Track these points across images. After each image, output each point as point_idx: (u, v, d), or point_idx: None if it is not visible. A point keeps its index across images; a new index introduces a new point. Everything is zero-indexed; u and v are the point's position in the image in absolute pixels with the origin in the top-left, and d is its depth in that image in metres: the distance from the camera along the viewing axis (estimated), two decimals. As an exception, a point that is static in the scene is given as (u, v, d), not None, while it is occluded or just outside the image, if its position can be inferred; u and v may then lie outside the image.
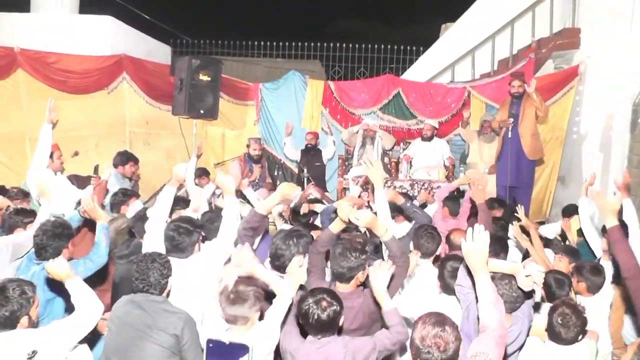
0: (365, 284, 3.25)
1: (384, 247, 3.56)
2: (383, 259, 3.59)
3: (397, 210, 5.13)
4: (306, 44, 11.88)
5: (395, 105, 8.54)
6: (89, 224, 4.44)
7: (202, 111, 7.50)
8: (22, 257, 3.85)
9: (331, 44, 11.73)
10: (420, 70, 10.07)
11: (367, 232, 4.63)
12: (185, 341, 2.97)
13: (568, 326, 3.08)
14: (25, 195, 5.20)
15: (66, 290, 3.56)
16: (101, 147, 7.35)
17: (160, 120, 7.92)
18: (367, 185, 6.45)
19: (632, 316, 4.03)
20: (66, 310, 3.59)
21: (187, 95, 7.31)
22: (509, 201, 6.49)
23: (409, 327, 3.27)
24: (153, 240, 3.63)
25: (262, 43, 12.01)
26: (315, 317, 2.71)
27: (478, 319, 2.56)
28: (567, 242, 5.50)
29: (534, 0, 8.55)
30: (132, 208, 4.84)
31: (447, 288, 3.32)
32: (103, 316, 3.09)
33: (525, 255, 4.66)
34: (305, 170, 7.87)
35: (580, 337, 3.13)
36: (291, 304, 2.93)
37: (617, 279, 3.96)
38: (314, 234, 4.09)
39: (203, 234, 3.80)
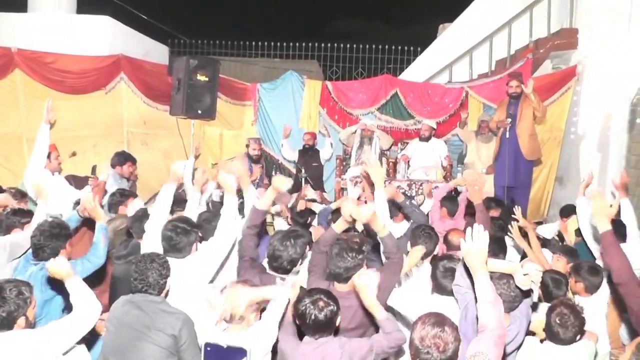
0: None
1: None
2: (382, 260, 3.60)
3: (396, 208, 5.14)
4: (304, 44, 11.88)
5: (393, 105, 8.54)
6: (88, 224, 4.44)
7: (199, 111, 7.49)
8: (20, 257, 3.85)
9: (329, 44, 11.73)
10: (418, 70, 10.07)
11: (365, 232, 4.65)
12: (184, 341, 2.97)
13: (566, 326, 3.08)
14: (22, 195, 5.19)
15: (64, 291, 3.57)
16: (99, 147, 7.34)
17: (157, 120, 7.91)
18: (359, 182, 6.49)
19: (629, 316, 4.03)
20: (64, 310, 3.59)
21: (184, 95, 7.30)
22: (506, 201, 6.49)
23: (406, 325, 3.29)
24: (152, 240, 3.63)
25: (260, 43, 12.01)
26: (313, 317, 2.71)
27: (477, 318, 2.56)
28: (564, 242, 5.51)
29: (531, 1, 8.56)
30: (132, 207, 4.84)
31: (439, 288, 3.30)
32: (101, 316, 3.08)
33: (524, 255, 4.66)
34: (303, 171, 7.87)
35: (578, 337, 3.13)
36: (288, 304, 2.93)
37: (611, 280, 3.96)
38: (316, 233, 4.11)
39: (200, 234, 3.80)
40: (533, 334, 3.36)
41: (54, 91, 6.84)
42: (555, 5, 8.38)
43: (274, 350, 2.91)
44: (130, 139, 7.74)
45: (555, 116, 7.90)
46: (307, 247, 3.67)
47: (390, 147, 8.29)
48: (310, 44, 11.85)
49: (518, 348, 3.05)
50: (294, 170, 8.40)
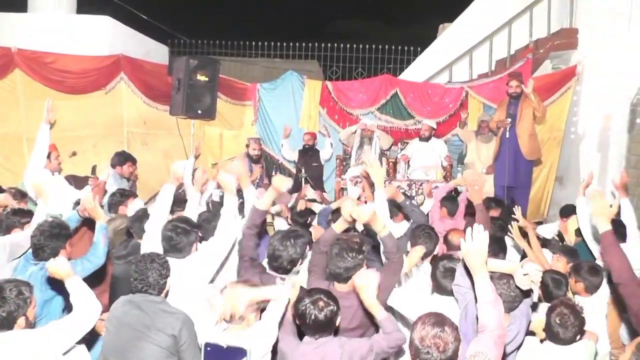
0: None
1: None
2: (382, 260, 3.60)
3: (396, 207, 5.15)
4: (304, 44, 11.88)
5: (393, 105, 8.54)
6: (88, 224, 4.44)
7: (199, 111, 7.49)
8: (20, 257, 3.85)
9: (329, 44, 11.73)
10: (418, 70, 10.07)
11: (365, 232, 4.65)
12: (183, 341, 2.97)
13: (566, 326, 3.08)
14: (22, 195, 5.19)
15: (64, 291, 3.57)
16: (99, 147, 7.34)
17: (157, 120, 7.91)
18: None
19: (629, 316, 4.03)
20: (64, 310, 3.59)
21: (184, 95, 7.30)
22: (507, 201, 6.49)
23: (406, 325, 3.29)
24: (152, 240, 3.63)
25: (260, 43, 12.01)
26: (313, 317, 2.72)
27: (477, 318, 2.56)
28: (564, 242, 5.50)
29: (531, 1, 8.55)
30: (132, 207, 4.84)
31: (439, 288, 3.30)
32: (101, 317, 3.08)
33: (524, 255, 4.66)
34: (303, 171, 7.88)
35: (578, 337, 3.13)
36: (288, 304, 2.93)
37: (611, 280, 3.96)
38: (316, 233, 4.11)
39: (200, 234, 3.80)
40: (533, 334, 3.36)
41: (54, 91, 6.84)
42: (555, 5, 8.38)
43: (274, 350, 2.91)
44: (130, 139, 7.74)
45: (555, 116, 7.90)
46: (307, 247, 3.67)
47: (390, 147, 8.29)
48: (310, 44, 11.85)
49: (518, 348, 3.05)
50: (294, 170, 8.40)
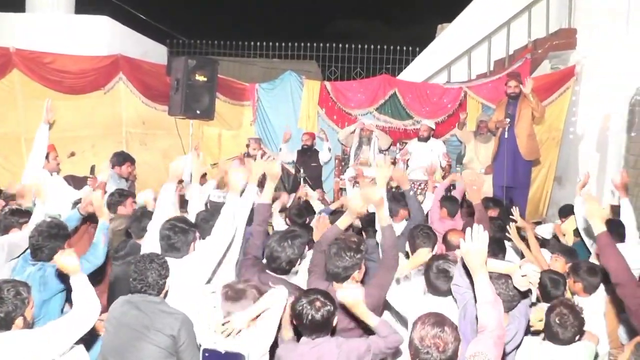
0: (363, 282, 3.25)
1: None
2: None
3: (400, 195, 5.14)
4: (302, 44, 11.88)
5: (391, 105, 8.55)
6: (87, 224, 4.44)
7: (198, 111, 7.49)
8: (18, 257, 3.84)
9: (327, 45, 11.73)
10: (417, 70, 10.08)
11: (362, 233, 4.65)
12: (182, 342, 2.96)
13: (565, 326, 3.08)
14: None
15: (62, 292, 3.57)
16: (97, 147, 7.34)
17: (156, 120, 7.91)
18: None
19: (628, 316, 4.03)
20: (62, 311, 3.58)
21: (183, 95, 7.30)
22: (505, 201, 6.49)
23: (402, 323, 3.29)
24: (154, 240, 3.62)
25: (259, 43, 12.00)
26: (309, 317, 2.71)
27: (476, 318, 2.55)
28: (553, 243, 5.50)
29: (530, 1, 8.57)
30: (141, 196, 4.84)
31: (432, 288, 3.28)
32: (100, 317, 3.08)
33: (524, 255, 4.66)
34: (302, 171, 7.87)
35: (577, 337, 3.13)
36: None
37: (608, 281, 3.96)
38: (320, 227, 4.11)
39: (198, 233, 3.79)
40: (532, 333, 3.36)
41: (53, 91, 6.84)
42: (554, 5, 8.39)
43: (272, 350, 2.91)
44: (129, 139, 7.75)
45: (553, 116, 7.91)
46: (307, 247, 3.67)
47: (389, 147, 8.29)
48: (308, 44, 11.85)
49: (517, 348, 3.04)
50: (293, 171, 8.40)
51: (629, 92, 6.67)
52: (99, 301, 3.05)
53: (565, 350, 3.10)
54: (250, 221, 3.87)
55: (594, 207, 3.31)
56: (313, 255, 3.46)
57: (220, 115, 8.30)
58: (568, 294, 3.97)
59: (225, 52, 11.99)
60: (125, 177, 6.35)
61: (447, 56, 9.49)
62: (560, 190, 7.99)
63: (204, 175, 7.04)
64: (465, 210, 5.99)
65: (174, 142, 7.95)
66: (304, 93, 8.57)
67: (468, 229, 2.62)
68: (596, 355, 3.37)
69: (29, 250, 3.68)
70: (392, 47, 11.48)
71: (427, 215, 5.44)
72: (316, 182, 7.98)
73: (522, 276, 2.67)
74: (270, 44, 11.96)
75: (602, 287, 4.00)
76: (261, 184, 3.95)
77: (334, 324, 2.82)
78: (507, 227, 4.71)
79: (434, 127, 8.03)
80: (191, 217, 4.08)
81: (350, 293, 2.78)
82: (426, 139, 7.89)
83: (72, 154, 7.06)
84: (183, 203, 4.75)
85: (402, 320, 3.35)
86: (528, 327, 3.15)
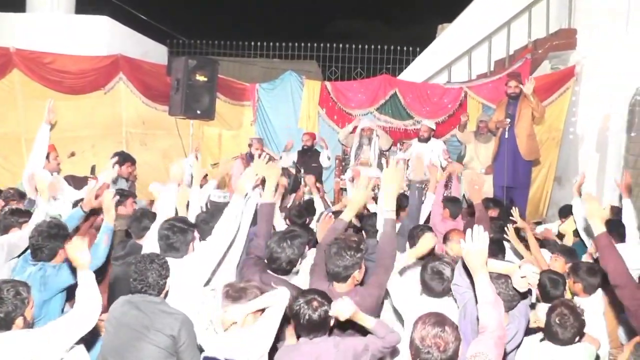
0: (363, 282, 3.25)
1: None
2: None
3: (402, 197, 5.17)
4: (303, 44, 11.88)
5: (392, 105, 8.55)
6: (90, 226, 4.44)
7: (198, 111, 7.50)
8: (18, 257, 3.84)
9: (328, 45, 11.73)
10: (417, 70, 10.08)
11: (362, 233, 4.64)
12: (182, 342, 2.96)
13: (565, 326, 3.08)
14: (21, 196, 5.18)
15: (62, 292, 3.56)
16: (97, 147, 7.35)
17: (156, 120, 7.91)
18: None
19: (627, 317, 4.03)
20: (62, 311, 3.58)
21: (183, 95, 7.31)
22: (506, 201, 6.49)
23: (401, 322, 3.29)
24: (154, 241, 3.62)
25: (259, 43, 12.01)
26: (307, 317, 2.71)
27: (477, 318, 2.56)
28: (557, 243, 5.51)
29: (530, 1, 8.57)
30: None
31: (426, 289, 3.28)
32: (100, 317, 3.07)
33: (522, 256, 4.66)
34: (303, 171, 7.87)
35: (577, 338, 3.13)
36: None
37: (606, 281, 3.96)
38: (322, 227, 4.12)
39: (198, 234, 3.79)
40: (532, 334, 3.36)
41: (53, 91, 6.85)
42: (554, 5, 8.39)
43: (272, 351, 2.91)
44: (129, 139, 7.75)
45: (553, 116, 7.91)
46: (307, 247, 3.67)
47: (390, 148, 8.29)
48: (309, 44, 11.85)
49: (517, 347, 3.05)
50: (293, 171, 8.39)
51: (629, 92, 6.67)
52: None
53: (566, 350, 3.11)
54: (254, 222, 3.88)
55: (594, 207, 3.31)
56: (316, 254, 3.46)
57: (221, 116, 8.30)
58: (568, 294, 3.97)
59: (226, 52, 12.00)
60: (126, 178, 6.35)
61: (447, 56, 9.49)
62: (560, 190, 7.99)
63: (205, 176, 7.06)
64: (466, 210, 6.00)
65: (174, 142, 7.95)
66: (304, 93, 8.58)
67: (468, 230, 2.62)
68: (597, 357, 3.37)
69: (29, 250, 3.68)
70: (392, 47, 11.49)
71: (428, 215, 5.44)
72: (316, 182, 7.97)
73: (521, 277, 2.67)
74: (271, 44, 11.97)
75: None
76: (262, 183, 3.96)
77: (331, 324, 2.82)
78: (506, 228, 4.71)
79: (434, 127, 8.02)
80: (191, 219, 4.07)
81: (343, 307, 2.76)
82: (426, 140, 7.89)
83: (72, 154, 7.06)
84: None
85: (401, 319, 3.35)
86: (528, 327, 3.15)
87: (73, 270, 3.44)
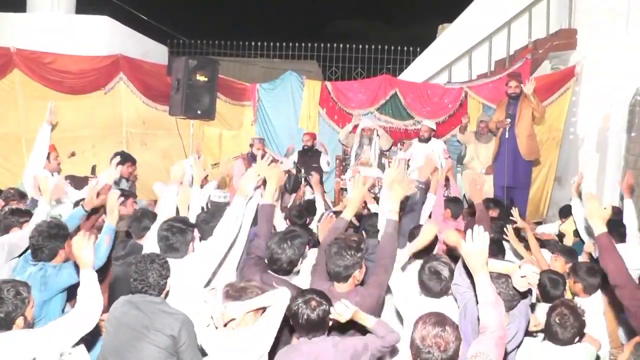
0: (363, 282, 3.25)
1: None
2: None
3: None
4: (303, 44, 11.89)
5: (392, 105, 8.55)
6: (91, 226, 4.43)
7: (199, 111, 7.50)
8: (19, 257, 3.84)
9: (328, 45, 11.73)
10: (417, 70, 10.09)
11: (363, 233, 4.64)
12: (183, 342, 2.96)
13: (565, 326, 3.08)
14: (22, 196, 5.18)
15: (63, 292, 3.56)
16: (98, 147, 7.35)
17: (157, 120, 7.91)
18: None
19: (627, 317, 4.02)
20: (63, 311, 3.58)
21: (184, 95, 7.31)
22: (506, 202, 6.49)
23: (401, 322, 3.29)
24: (155, 242, 3.62)
25: (259, 43, 12.02)
26: (305, 317, 2.71)
27: (477, 318, 2.56)
28: (553, 243, 5.51)
29: (530, 1, 8.56)
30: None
31: (424, 289, 3.28)
32: (101, 317, 3.07)
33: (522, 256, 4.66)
34: (303, 171, 7.87)
35: (577, 338, 3.13)
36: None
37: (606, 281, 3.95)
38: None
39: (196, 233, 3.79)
40: (532, 334, 3.36)
41: (53, 91, 6.85)
42: (554, 5, 8.38)
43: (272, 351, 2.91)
44: (130, 139, 7.75)
45: (554, 116, 7.91)
46: (307, 247, 3.67)
47: (390, 148, 8.29)
48: (309, 44, 11.86)
49: (517, 347, 3.05)
50: (294, 171, 8.39)
51: (629, 92, 6.66)
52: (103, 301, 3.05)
53: (566, 351, 3.11)
54: (254, 222, 3.88)
55: (594, 207, 3.31)
56: (318, 254, 3.46)
57: (221, 116, 8.31)
58: (568, 294, 3.97)
59: (226, 52, 12.02)
60: (126, 178, 6.35)
61: (447, 56, 9.49)
62: (561, 190, 7.99)
63: (205, 177, 7.06)
64: (466, 210, 5.99)
65: (175, 142, 7.95)
66: (304, 93, 8.58)
67: (469, 230, 2.62)
68: (597, 358, 3.37)
69: (29, 250, 3.68)
70: (392, 47, 11.51)
71: (429, 215, 5.43)
72: (317, 183, 7.97)
73: (522, 277, 2.67)
74: (271, 44, 11.99)
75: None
76: (263, 184, 3.96)
77: (330, 324, 2.82)
78: (505, 229, 4.71)
79: (434, 127, 8.03)
80: (191, 219, 4.08)
81: (343, 310, 2.76)
82: (427, 140, 7.89)
83: (73, 154, 7.06)
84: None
85: (401, 319, 3.35)
86: (528, 327, 3.15)
87: (73, 270, 3.46)
